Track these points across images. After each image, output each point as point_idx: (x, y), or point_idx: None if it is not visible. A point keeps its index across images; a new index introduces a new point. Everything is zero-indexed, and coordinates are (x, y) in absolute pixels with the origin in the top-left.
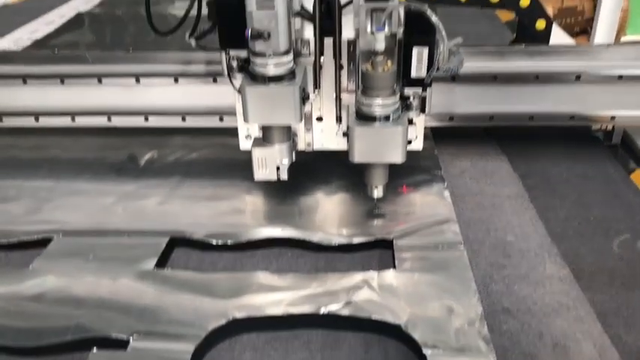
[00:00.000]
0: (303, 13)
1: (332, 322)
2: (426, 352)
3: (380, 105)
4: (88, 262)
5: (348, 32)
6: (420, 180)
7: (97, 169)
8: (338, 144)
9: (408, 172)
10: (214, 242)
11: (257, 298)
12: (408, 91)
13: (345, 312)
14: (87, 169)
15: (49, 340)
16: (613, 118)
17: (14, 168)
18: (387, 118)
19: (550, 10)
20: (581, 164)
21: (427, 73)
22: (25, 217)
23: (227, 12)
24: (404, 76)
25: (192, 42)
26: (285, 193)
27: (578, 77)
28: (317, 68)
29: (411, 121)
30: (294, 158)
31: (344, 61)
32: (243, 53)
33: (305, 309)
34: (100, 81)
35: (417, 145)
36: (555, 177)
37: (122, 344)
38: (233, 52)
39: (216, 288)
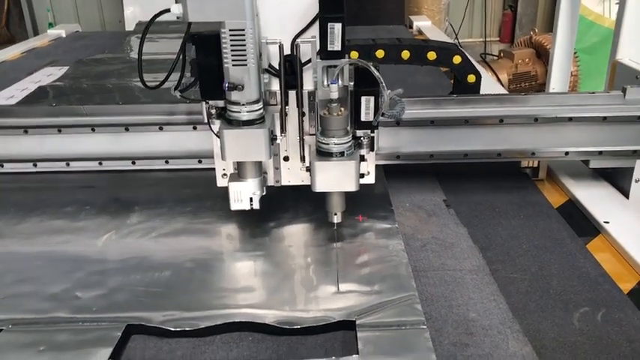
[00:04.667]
0: (270, 70)
1: None
2: None
3: (336, 143)
4: (38, 355)
5: (308, 85)
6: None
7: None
8: (302, 180)
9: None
10: (172, 329)
11: None
12: (359, 132)
13: None
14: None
15: None
16: (533, 153)
17: None
18: (341, 153)
19: (505, 76)
20: (540, 235)
21: (374, 117)
22: None
23: (207, 69)
24: (355, 120)
25: (177, 94)
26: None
27: (501, 120)
28: (283, 116)
29: (363, 158)
30: (264, 191)
31: (305, 109)
32: (220, 103)
33: None
34: (93, 130)
35: (370, 179)
36: (515, 249)
37: None
38: (212, 102)
39: None
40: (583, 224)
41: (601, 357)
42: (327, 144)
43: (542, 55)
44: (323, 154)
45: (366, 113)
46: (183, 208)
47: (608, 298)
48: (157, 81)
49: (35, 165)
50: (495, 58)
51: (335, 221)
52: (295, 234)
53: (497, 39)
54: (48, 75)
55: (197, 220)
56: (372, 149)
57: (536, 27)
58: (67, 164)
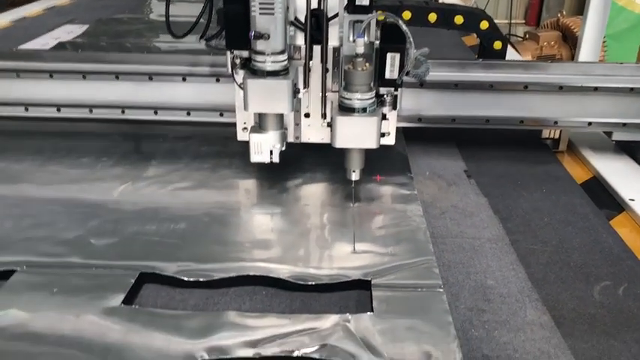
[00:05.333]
0: (296, 23)
1: None
2: None
3: (359, 99)
4: (51, 296)
5: (333, 41)
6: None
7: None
8: (322, 138)
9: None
10: (185, 279)
11: (227, 339)
12: (383, 90)
13: (319, 355)
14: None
15: None
16: (556, 122)
17: None
18: (364, 109)
19: (529, 58)
20: (562, 209)
21: (398, 75)
22: None
23: (233, 18)
24: (379, 78)
25: (203, 43)
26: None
27: (525, 87)
28: (306, 70)
29: (384, 117)
30: (284, 146)
31: (329, 65)
32: (244, 53)
33: (277, 351)
34: (117, 78)
35: (390, 140)
36: (536, 221)
37: None
38: (236, 52)
39: (186, 327)
40: (606, 200)
41: (621, 329)
42: (350, 99)
43: (569, 39)
44: (345, 109)
45: (391, 70)
46: (201, 164)
47: (630, 274)
48: (174, 41)
49: (59, 110)
50: (520, 39)
51: (353, 179)
52: (313, 194)
53: (523, 21)
54: (68, 32)
55: (215, 175)
56: (394, 108)
57: (564, 9)
58: (90, 111)
